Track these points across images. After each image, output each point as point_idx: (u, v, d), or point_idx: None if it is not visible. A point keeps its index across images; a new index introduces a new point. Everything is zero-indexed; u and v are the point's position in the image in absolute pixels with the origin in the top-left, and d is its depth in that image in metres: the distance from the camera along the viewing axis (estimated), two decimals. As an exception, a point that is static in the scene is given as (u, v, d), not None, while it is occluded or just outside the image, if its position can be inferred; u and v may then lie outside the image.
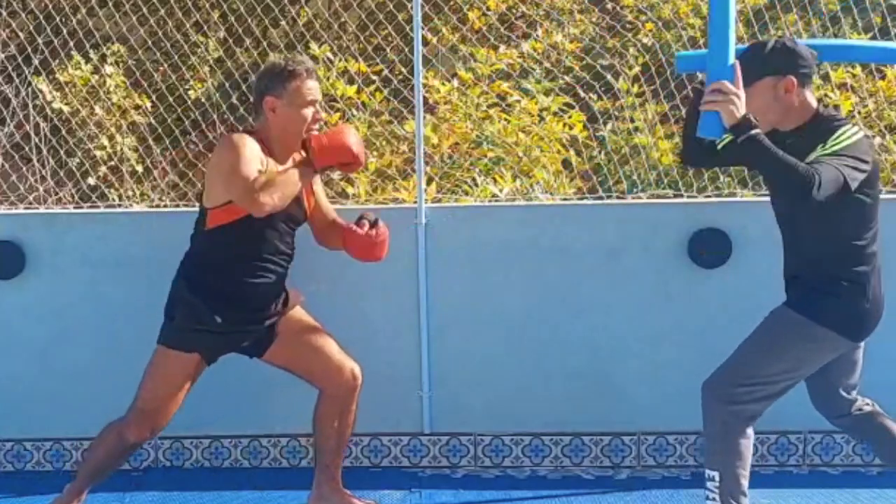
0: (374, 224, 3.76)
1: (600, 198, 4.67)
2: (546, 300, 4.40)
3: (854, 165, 3.15)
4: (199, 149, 5.10)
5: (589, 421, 4.46)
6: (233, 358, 3.78)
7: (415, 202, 4.43)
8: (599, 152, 4.95)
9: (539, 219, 4.43)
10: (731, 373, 3.38)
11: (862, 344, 3.47)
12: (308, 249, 4.35)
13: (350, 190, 4.74)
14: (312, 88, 3.61)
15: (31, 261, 4.39)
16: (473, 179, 4.81)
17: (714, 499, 3.36)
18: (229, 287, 3.60)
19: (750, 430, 3.37)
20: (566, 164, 4.95)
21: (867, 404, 3.56)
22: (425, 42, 5.01)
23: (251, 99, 3.87)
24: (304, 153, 3.67)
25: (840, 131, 3.23)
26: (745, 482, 3.37)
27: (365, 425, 4.38)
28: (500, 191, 4.67)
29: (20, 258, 4.38)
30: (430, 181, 4.69)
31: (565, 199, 4.75)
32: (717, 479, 3.36)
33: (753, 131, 3.08)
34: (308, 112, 3.59)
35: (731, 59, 3.18)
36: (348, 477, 4.14)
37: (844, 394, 3.52)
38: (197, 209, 4.08)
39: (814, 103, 3.33)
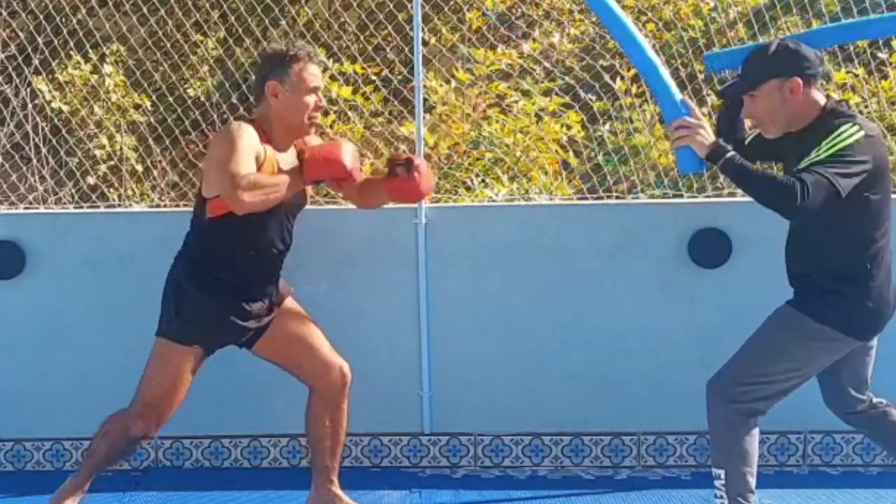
0: (409, 166, 3.61)
1: (600, 198, 4.67)
2: (546, 300, 4.40)
3: (843, 171, 3.11)
4: (199, 149, 5.10)
5: (589, 421, 4.46)
6: (233, 358, 3.78)
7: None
8: (598, 153, 4.94)
9: (539, 219, 4.43)
10: (734, 372, 3.38)
11: (874, 342, 3.45)
12: (308, 249, 4.35)
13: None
14: (315, 74, 3.53)
15: (31, 261, 4.38)
16: (470, 181, 4.80)
17: (721, 497, 3.37)
18: (231, 278, 3.54)
19: (755, 429, 3.36)
20: (565, 164, 4.95)
21: (882, 403, 3.53)
22: (425, 42, 5.01)
23: (251, 98, 3.86)
24: (303, 146, 3.59)
25: (838, 132, 3.17)
26: (751, 479, 3.37)
27: (365, 425, 4.39)
28: (496, 194, 4.67)
29: (20, 258, 4.37)
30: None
31: (565, 200, 4.75)
32: (723, 477, 3.36)
33: (728, 154, 3.20)
34: (310, 99, 3.51)
35: (678, 95, 3.37)
36: (348, 477, 4.14)
37: (855, 392, 3.49)
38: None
39: (821, 101, 3.31)
